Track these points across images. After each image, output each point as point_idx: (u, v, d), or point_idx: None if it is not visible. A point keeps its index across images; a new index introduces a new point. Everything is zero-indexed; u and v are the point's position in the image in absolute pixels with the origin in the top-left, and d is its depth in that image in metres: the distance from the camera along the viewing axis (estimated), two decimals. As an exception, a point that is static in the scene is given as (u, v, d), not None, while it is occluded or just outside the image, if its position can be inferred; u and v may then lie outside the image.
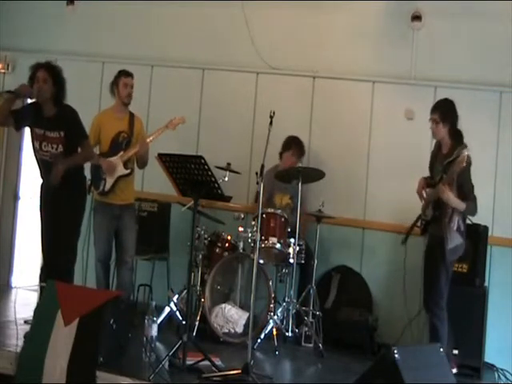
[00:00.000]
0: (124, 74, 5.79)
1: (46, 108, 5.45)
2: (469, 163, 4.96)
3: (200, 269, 5.91)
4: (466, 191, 5.01)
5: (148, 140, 5.69)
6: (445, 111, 5.16)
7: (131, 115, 5.83)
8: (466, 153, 4.79)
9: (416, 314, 5.74)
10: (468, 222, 5.73)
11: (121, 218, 5.73)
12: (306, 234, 6.23)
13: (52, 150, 5.43)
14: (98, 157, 5.74)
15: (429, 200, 5.17)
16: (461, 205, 4.97)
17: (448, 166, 4.97)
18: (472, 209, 5.09)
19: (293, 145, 6.26)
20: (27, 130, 6.71)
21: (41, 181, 5.62)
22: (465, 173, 4.97)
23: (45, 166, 5.51)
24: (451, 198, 4.95)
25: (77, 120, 5.50)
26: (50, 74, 5.45)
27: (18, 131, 5.88)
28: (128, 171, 5.71)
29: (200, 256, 5.91)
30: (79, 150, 5.52)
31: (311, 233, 6.17)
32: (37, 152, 5.51)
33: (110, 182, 5.68)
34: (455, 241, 5.02)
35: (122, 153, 5.68)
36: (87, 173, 5.76)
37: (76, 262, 5.62)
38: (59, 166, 5.33)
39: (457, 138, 5.10)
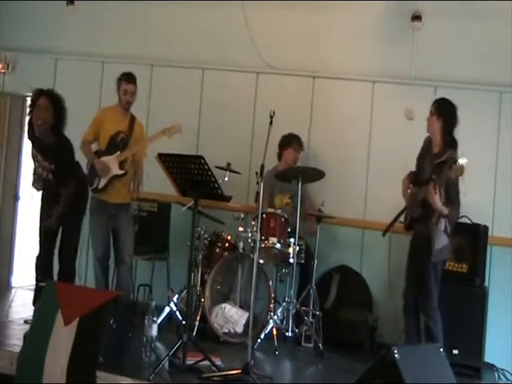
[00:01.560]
0: (125, 79, 5.66)
1: (44, 134, 5.50)
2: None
3: (200, 269, 5.91)
4: (451, 196, 4.99)
5: (146, 142, 5.68)
6: (442, 107, 5.16)
7: (132, 117, 5.79)
8: (465, 161, 4.75)
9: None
10: (468, 221, 5.75)
11: (117, 217, 5.69)
12: (312, 230, 6.21)
13: (43, 174, 5.53)
14: (94, 155, 5.72)
15: (417, 198, 5.13)
16: (444, 209, 4.94)
17: (438, 167, 4.95)
18: (454, 215, 5.07)
19: (294, 141, 6.28)
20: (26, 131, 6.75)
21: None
22: (454, 178, 4.97)
23: (42, 181, 5.63)
24: (437, 202, 4.90)
25: (69, 158, 5.61)
26: (51, 102, 5.48)
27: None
28: (122, 172, 5.63)
29: (200, 256, 5.91)
30: None
31: (311, 233, 6.18)
32: (35, 168, 5.68)
33: (103, 180, 5.65)
34: (442, 242, 5.00)
35: (118, 153, 5.64)
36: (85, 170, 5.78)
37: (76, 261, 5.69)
38: (52, 219, 5.54)
39: (450, 141, 5.09)
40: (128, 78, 5.69)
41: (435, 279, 5.08)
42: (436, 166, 4.98)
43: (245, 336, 5.29)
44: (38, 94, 5.52)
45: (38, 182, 5.64)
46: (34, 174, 5.69)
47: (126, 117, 5.77)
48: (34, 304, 5.72)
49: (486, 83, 6.08)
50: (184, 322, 5.45)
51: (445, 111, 5.14)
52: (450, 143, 5.06)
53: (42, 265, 5.70)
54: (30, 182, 5.79)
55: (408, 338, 5.22)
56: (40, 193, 5.81)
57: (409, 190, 5.22)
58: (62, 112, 5.56)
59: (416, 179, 5.21)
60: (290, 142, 6.28)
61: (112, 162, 5.62)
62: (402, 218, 5.27)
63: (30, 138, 5.64)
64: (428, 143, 5.25)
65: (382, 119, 6.42)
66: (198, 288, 5.86)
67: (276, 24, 6.75)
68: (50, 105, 5.48)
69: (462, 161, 4.74)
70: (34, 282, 5.86)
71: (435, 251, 4.97)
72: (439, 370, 4.01)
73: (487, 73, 6.10)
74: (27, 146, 7.55)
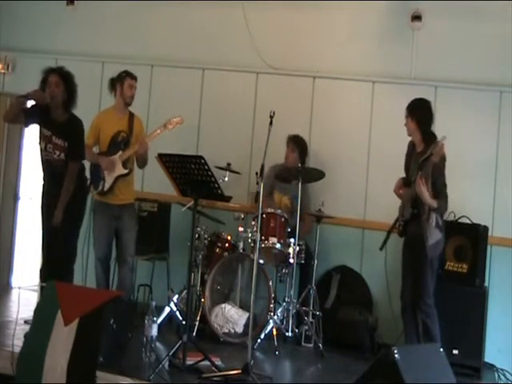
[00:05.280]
0: (130, 75, 5.75)
1: (56, 112, 5.47)
2: (443, 160, 4.99)
3: (200, 269, 5.91)
4: (438, 188, 5.03)
5: (147, 139, 5.68)
6: (413, 108, 5.25)
7: (131, 115, 5.82)
8: (444, 140, 4.83)
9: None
10: (468, 221, 5.75)
11: (121, 218, 5.73)
12: (309, 234, 6.20)
13: (55, 154, 5.46)
14: (97, 156, 5.75)
15: (406, 199, 5.19)
16: (433, 203, 4.99)
17: (423, 164, 4.99)
18: (444, 207, 5.11)
19: (290, 142, 6.30)
20: (27, 130, 6.71)
21: (42, 182, 5.65)
22: (439, 169, 5.00)
23: (48, 167, 5.54)
24: (425, 193, 4.95)
25: (81, 136, 5.55)
26: (62, 79, 5.46)
27: (26, 127, 5.83)
28: (126, 171, 5.68)
29: (200, 256, 5.91)
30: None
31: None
32: (42, 152, 5.53)
33: (109, 181, 5.67)
34: (435, 237, 5.03)
35: (120, 152, 5.67)
36: (87, 173, 5.77)
37: (76, 262, 5.64)
38: (56, 216, 5.39)
39: (428, 137, 5.12)
40: (131, 75, 5.77)
41: (431, 276, 5.11)
42: (422, 163, 5.02)
43: (245, 336, 5.29)
44: (48, 71, 5.50)
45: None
46: (43, 165, 5.61)
47: (124, 115, 5.79)
48: None
49: (485, 83, 6.08)
50: (184, 322, 5.46)
51: (416, 111, 5.23)
52: (430, 139, 5.09)
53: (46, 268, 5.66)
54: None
55: (407, 340, 5.24)
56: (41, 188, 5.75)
57: (401, 191, 5.25)
58: (73, 89, 5.51)
59: (405, 182, 5.25)
60: (287, 143, 6.31)
61: (115, 161, 5.64)
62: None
63: (41, 119, 5.56)
64: (412, 146, 5.33)
65: (382, 119, 6.41)
66: (198, 288, 5.86)
67: (276, 24, 6.75)
68: (61, 81, 5.46)
69: (440, 140, 4.83)
70: (34, 283, 5.85)
71: (429, 246, 5.00)
72: (439, 370, 4.02)
73: (487, 73, 6.09)
74: (27, 146, 7.59)
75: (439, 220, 5.06)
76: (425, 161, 4.97)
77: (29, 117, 5.49)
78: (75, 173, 5.50)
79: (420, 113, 5.20)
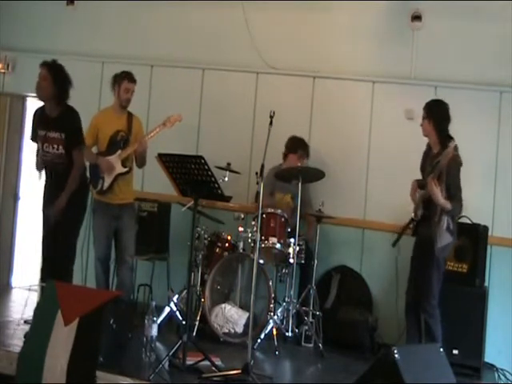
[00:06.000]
0: (129, 78, 5.70)
1: (49, 108, 5.46)
2: (459, 163, 5.00)
3: (200, 269, 5.91)
4: (452, 191, 5.01)
5: (146, 138, 5.68)
6: (431, 109, 5.22)
7: (129, 114, 5.82)
8: (453, 144, 4.84)
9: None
10: (468, 221, 5.75)
11: (120, 217, 5.73)
12: (312, 234, 6.15)
13: (53, 150, 5.45)
14: (97, 156, 5.75)
15: (420, 200, 5.19)
16: (446, 204, 4.97)
17: (437, 165, 4.99)
18: (457, 210, 5.10)
19: (299, 148, 6.24)
20: (28, 130, 6.71)
21: (44, 183, 5.66)
22: (453, 172, 4.99)
23: (49, 170, 5.54)
24: (437, 193, 4.94)
25: (77, 124, 5.53)
26: (50, 73, 5.44)
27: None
28: (126, 169, 5.68)
29: (200, 256, 5.92)
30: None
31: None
32: (40, 152, 5.53)
33: (108, 180, 5.66)
34: (445, 240, 5.02)
35: (120, 151, 5.66)
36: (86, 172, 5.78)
37: (75, 262, 5.64)
38: (60, 202, 5.39)
39: (445, 139, 5.11)
40: (130, 77, 5.73)
41: (437, 278, 5.10)
42: (435, 165, 5.01)
43: (245, 336, 5.29)
44: (40, 65, 5.50)
45: (41, 164, 5.58)
46: (37, 155, 5.61)
47: (122, 115, 5.78)
48: None
49: (485, 83, 6.08)
50: (184, 322, 5.46)
51: (434, 112, 5.20)
52: (446, 141, 5.08)
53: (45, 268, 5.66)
54: (34, 165, 5.69)
55: (409, 338, 5.24)
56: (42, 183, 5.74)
57: (417, 194, 5.25)
58: (63, 83, 5.48)
59: (421, 184, 5.25)
60: (296, 149, 6.23)
61: (115, 160, 5.64)
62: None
63: (37, 124, 5.56)
64: (429, 147, 5.31)
65: (382, 119, 6.41)
66: (198, 288, 5.86)
67: (276, 24, 6.75)
68: (49, 75, 5.42)
69: (450, 145, 4.84)
70: (34, 283, 5.84)
71: (437, 249, 4.99)
72: (439, 370, 4.02)
73: (487, 73, 6.09)
74: (27, 145, 7.60)
75: (450, 223, 5.03)
76: (438, 163, 4.97)
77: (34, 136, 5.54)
78: (81, 161, 5.49)
79: (438, 114, 5.18)
